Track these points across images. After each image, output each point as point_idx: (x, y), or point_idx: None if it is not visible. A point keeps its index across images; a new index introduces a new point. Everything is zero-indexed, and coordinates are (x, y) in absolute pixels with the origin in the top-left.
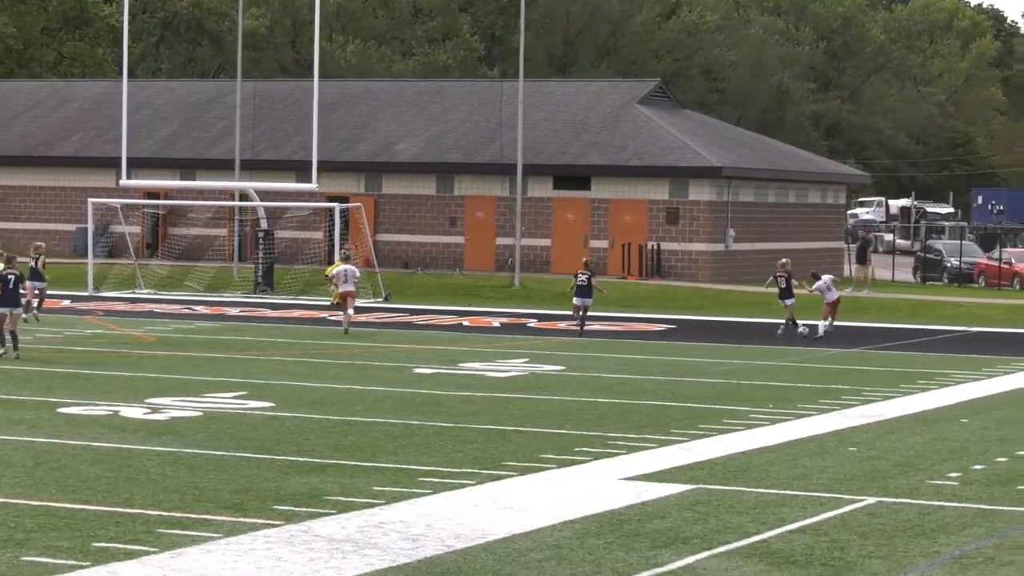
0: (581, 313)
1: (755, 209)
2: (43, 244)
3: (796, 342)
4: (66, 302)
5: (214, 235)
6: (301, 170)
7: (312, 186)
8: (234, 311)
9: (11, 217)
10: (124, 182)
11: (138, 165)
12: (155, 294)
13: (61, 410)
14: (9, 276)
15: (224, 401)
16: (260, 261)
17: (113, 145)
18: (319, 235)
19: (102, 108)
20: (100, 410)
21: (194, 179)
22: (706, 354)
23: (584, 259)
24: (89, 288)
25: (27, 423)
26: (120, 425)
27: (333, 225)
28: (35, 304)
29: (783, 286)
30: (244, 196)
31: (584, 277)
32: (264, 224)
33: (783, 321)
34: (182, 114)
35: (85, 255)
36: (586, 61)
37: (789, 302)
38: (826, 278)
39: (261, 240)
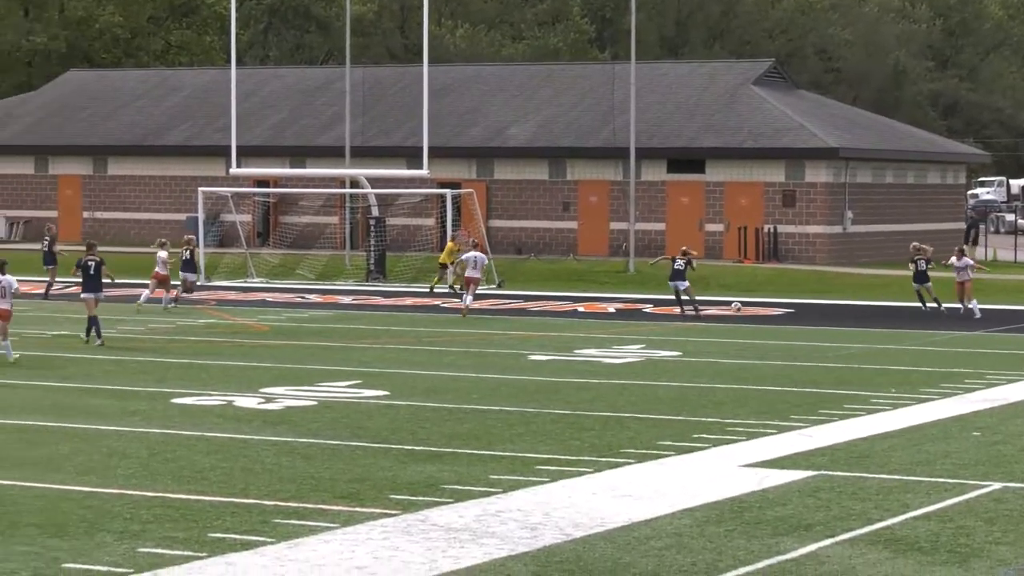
0: (686, 297)
1: (873, 190)
2: (194, 237)
3: (917, 325)
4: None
5: (325, 223)
6: (412, 156)
7: (423, 172)
8: (346, 299)
9: (120, 207)
10: (234, 170)
11: (248, 153)
12: (267, 283)
13: (175, 400)
14: (89, 263)
15: (338, 390)
16: (372, 249)
17: (222, 133)
18: (431, 222)
19: (210, 96)
20: (214, 400)
21: (304, 167)
22: (825, 338)
23: (683, 247)
24: (200, 278)
25: (141, 414)
26: (234, 415)
27: (445, 211)
28: (174, 295)
29: (922, 268)
30: (355, 183)
31: (682, 262)
32: (375, 211)
33: (930, 304)
34: (291, 101)
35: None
36: (698, 42)
37: (927, 284)
38: (965, 259)
39: (372, 227)
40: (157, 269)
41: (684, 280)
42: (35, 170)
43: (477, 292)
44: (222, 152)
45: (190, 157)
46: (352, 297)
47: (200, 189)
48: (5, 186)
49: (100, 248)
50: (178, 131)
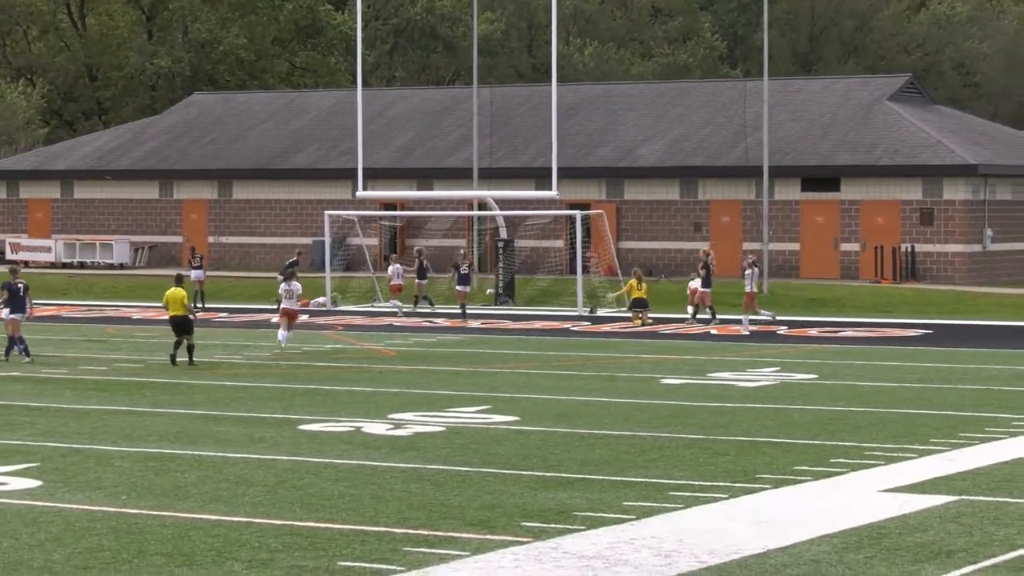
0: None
1: (1014, 208)
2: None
3: None
4: (304, 317)
5: (453, 246)
6: (540, 177)
7: (552, 193)
8: (475, 323)
9: (247, 231)
10: (360, 193)
11: (374, 176)
12: (396, 307)
13: (302, 427)
14: (18, 285)
15: (468, 415)
16: (501, 272)
17: (348, 156)
18: (560, 243)
19: (336, 118)
20: (342, 426)
21: (431, 189)
22: (964, 360)
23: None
24: (327, 302)
25: (268, 441)
26: (363, 441)
27: (574, 233)
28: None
29: None
30: (483, 205)
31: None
32: (504, 233)
33: None
34: (418, 123)
35: (323, 269)
36: (832, 58)
37: None
38: None
39: (501, 250)
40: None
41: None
42: (160, 195)
43: (600, 315)
44: (348, 175)
45: (316, 180)
46: (481, 321)
47: (326, 213)
48: (130, 211)
49: (225, 273)
50: (304, 154)
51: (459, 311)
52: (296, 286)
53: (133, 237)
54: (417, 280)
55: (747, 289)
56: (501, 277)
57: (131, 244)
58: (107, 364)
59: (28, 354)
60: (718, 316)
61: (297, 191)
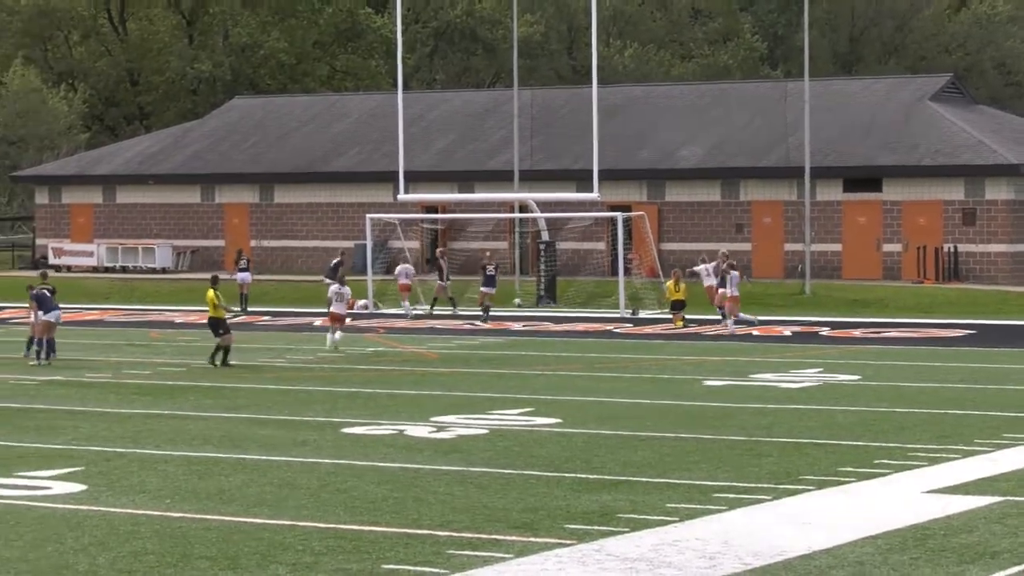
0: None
1: None
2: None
3: None
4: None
5: (495, 248)
6: (581, 179)
7: (593, 196)
8: (517, 326)
9: (288, 235)
10: (402, 196)
11: (415, 179)
12: (437, 310)
13: (345, 430)
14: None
15: (510, 418)
16: (542, 274)
17: (389, 159)
18: (601, 246)
19: (377, 121)
20: (385, 429)
21: (472, 191)
22: (1008, 360)
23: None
24: (369, 305)
25: (311, 444)
26: (406, 444)
27: (616, 235)
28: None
29: None
30: (524, 208)
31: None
32: (545, 236)
33: None
34: (458, 125)
35: (364, 272)
36: (872, 58)
37: None
38: None
39: (542, 252)
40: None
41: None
42: (201, 199)
43: (644, 316)
44: (390, 178)
45: (357, 183)
46: (522, 323)
47: (368, 216)
48: (172, 216)
49: (267, 276)
50: (345, 157)
51: (486, 313)
52: (346, 290)
53: (175, 241)
54: (439, 282)
55: (730, 293)
56: (543, 279)
57: (173, 248)
58: (150, 368)
59: (49, 357)
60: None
61: (338, 194)
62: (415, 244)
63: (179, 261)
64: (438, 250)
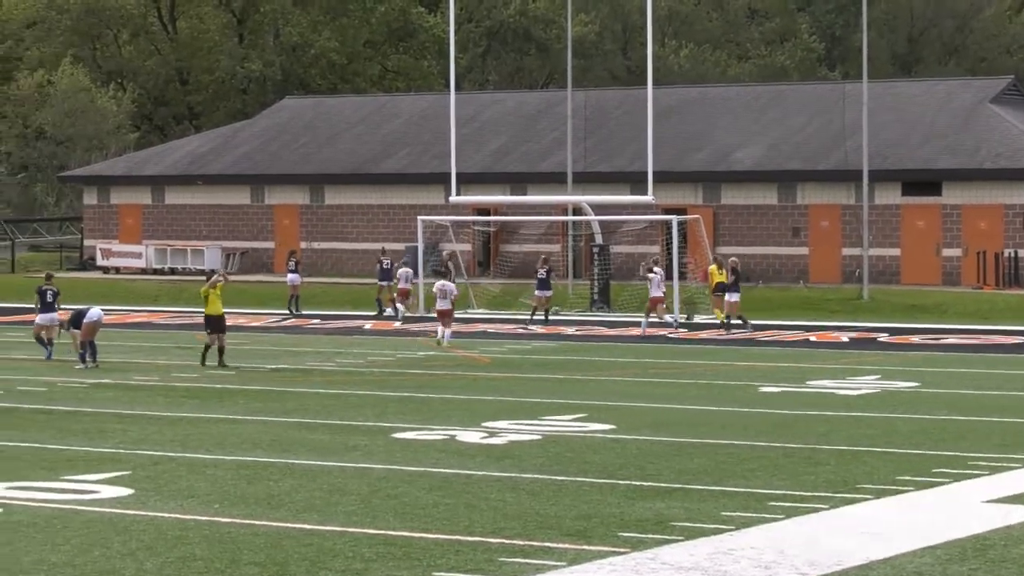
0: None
1: None
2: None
3: None
4: (397, 323)
5: (547, 252)
6: (636, 182)
7: (648, 198)
8: (570, 330)
9: (338, 237)
10: (454, 198)
11: (467, 180)
12: (489, 313)
13: (396, 435)
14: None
15: (563, 424)
16: (596, 278)
17: (441, 160)
18: (656, 249)
19: (429, 122)
20: (436, 434)
21: (525, 194)
22: None
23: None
24: (420, 309)
25: (362, 449)
26: (457, 450)
27: (670, 238)
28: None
29: None
30: (577, 210)
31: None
32: (599, 239)
33: None
34: (511, 127)
35: (415, 275)
36: (932, 59)
37: None
38: None
39: (596, 256)
40: (438, 305)
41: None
42: (251, 200)
43: (698, 321)
44: (441, 180)
45: (409, 185)
46: (576, 328)
47: (419, 218)
48: (221, 217)
49: (317, 279)
50: (396, 158)
51: (546, 317)
52: (450, 286)
53: (224, 243)
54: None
55: (652, 294)
56: (596, 283)
57: (222, 250)
58: (199, 371)
59: (49, 357)
60: (750, 323)
61: (389, 196)
62: (467, 247)
63: (228, 263)
64: (445, 252)
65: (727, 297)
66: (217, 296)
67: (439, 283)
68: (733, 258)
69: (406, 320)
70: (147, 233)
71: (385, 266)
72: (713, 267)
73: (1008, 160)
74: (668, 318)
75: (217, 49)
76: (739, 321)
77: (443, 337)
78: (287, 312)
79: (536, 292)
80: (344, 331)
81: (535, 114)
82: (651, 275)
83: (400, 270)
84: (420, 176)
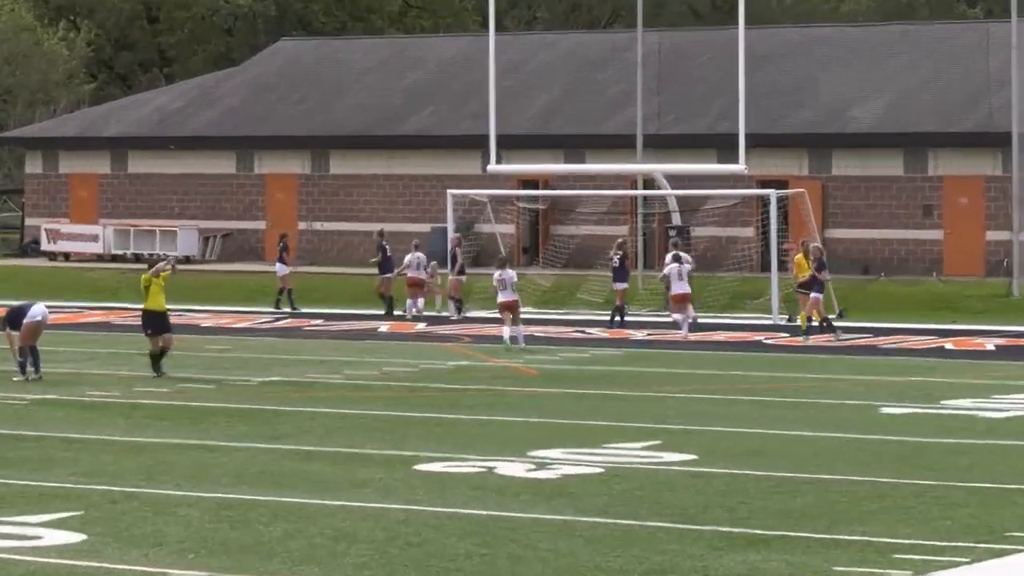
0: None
1: None
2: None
3: None
4: (421, 326)
5: (611, 235)
6: (723, 147)
7: (739, 167)
8: (639, 334)
9: (346, 215)
10: (492, 168)
11: (510, 145)
12: (537, 313)
13: (419, 467)
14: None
15: (631, 453)
16: None
17: (476, 121)
18: (749, 232)
19: (461, 72)
20: (470, 466)
21: (582, 162)
22: None
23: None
24: (451, 307)
25: (376, 485)
26: (496, 486)
27: (767, 218)
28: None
29: None
30: (649, 183)
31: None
32: (676, 219)
33: None
34: (565, 77)
35: (444, 263)
36: None
37: None
38: None
39: (673, 240)
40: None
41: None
42: (237, 169)
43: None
44: (477, 144)
45: (436, 151)
46: (646, 331)
47: (449, 192)
48: (199, 189)
49: (319, 269)
50: (419, 118)
51: (622, 316)
52: (509, 273)
53: (203, 223)
54: (452, 276)
55: (675, 290)
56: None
57: (200, 232)
58: (169, 385)
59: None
60: (839, 329)
61: (411, 165)
62: (510, 228)
63: (208, 248)
64: (452, 237)
65: (812, 294)
66: (160, 288)
67: (499, 272)
68: (814, 243)
69: (416, 318)
70: (105, 210)
71: (389, 253)
72: (800, 256)
73: None
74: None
75: None
76: (821, 323)
77: (517, 338)
78: (285, 311)
79: (615, 285)
80: (353, 334)
81: (596, 61)
82: (676, 265)
83: (409, 256)
84: (450, 140)
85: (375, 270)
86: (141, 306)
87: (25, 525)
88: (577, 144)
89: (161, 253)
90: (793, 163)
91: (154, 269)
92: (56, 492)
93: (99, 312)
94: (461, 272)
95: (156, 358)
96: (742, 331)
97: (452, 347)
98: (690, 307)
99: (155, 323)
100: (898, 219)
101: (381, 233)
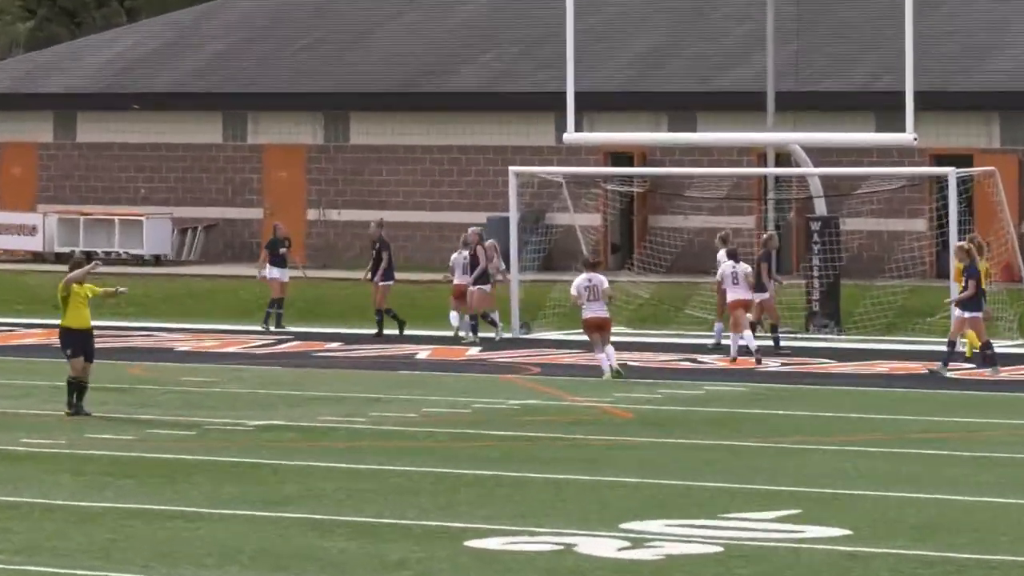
0: None
1: None
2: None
3: None
4: (474, 351)
5: (731, 228)
6: (882, 109)
7: (906, 137)
8: (770, 363)
9: (369, 200)
10: (570, 136)
11: (593, 106)
12: (632, 334)
13: (470, 543)
14: None
15: (760, 525)
16: (815, 273)
17: (548, 73)
18: (920, 225)
19: (524, 9)
20: (540, 543)
21: (693, 129)
22: None
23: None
24: (514, 325)
25: (414, 568)
26: (576, 567)
27: (945, 205)
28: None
29: None
30: (783, 158)
31: None
32: (820, 207)
33: None
34: (665, 16)
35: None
36: None
37: None
38: None
39: (816, 235)
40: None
41: None
42: (224, 137)
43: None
44: (549, 105)
45: (493, 114)
46: (779, 360)
47: (511, 170)
48: (173, 165)
49: (332, 273)
50: (470, 70)
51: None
52: (600, 279)
53: (178, 210)
54: (478, 288)
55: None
56: (817, 283)
57: (175, 223)
58: (135, 430)
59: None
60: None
61: (457, 134)
62: (594, 219)
63: (186, 245)
64: (470, 230)
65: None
66: (84, 299)
67: (584, 277)
68: (966, 243)
69: (464, 340)
70: (46, 193)
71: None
72: (985, 265)
73: None
74: None
75: None
76: (982, 349)
77: (605, 364)
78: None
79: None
80: (383, 362)
81: None
82: (731, 264)
83: (454, 255)
84: (512, 99)
85: (431, 274)
86: (63, 323)
87: None
88: (684, 105)
89: (90, 252)
90: (979, 132)
91: (74, 275)
92: None
93: (38, 331)
94: (484, 280)
95: (78, 388)
96: (912, 359)
97: (516, 380)
98: (748, 318)
99: (76, 342)
100: None
101: (380, 224)
